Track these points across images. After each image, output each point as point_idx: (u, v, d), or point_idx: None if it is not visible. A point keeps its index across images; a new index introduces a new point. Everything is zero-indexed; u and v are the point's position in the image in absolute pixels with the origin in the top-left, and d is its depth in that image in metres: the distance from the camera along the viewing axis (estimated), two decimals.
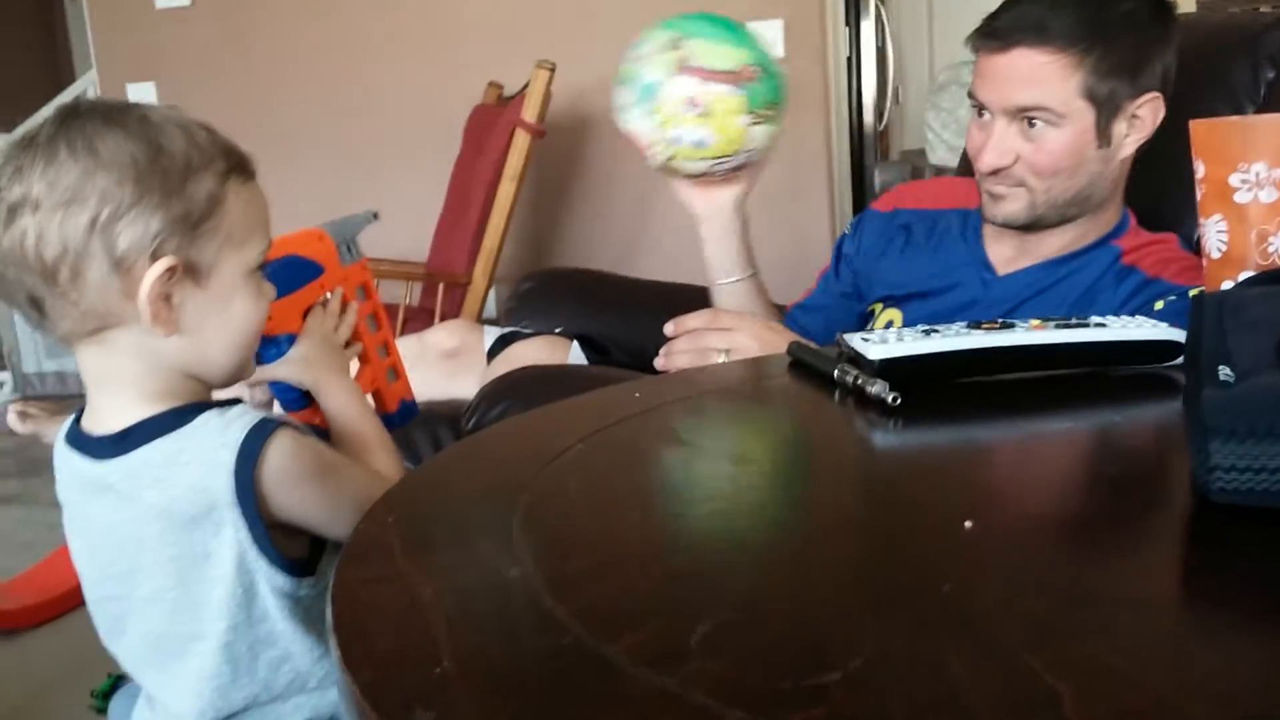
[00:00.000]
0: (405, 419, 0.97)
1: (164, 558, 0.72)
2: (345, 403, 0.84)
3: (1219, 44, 1.31)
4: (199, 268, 0.71)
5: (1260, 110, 1.22)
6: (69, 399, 2.07)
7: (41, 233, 0.67)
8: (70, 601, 1.99)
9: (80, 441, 0.75)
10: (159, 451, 0.71)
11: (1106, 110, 1.10)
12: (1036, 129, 1.10)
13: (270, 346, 0.83)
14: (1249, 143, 0.74)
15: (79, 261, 0.67)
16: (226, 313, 0.74)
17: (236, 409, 0.73)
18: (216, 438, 0.70)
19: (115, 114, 0.70)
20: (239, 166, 0.74)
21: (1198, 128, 0.78)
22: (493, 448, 0.73)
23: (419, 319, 2.44)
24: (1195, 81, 1.29)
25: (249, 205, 0.74)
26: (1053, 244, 1.18)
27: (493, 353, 1.54)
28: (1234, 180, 0.75)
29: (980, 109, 1.15)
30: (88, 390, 0.75)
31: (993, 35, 1.10)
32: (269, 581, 0.73)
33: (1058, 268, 1.18)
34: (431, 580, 0.50)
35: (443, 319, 2.33)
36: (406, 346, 1.62)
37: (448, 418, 1.36)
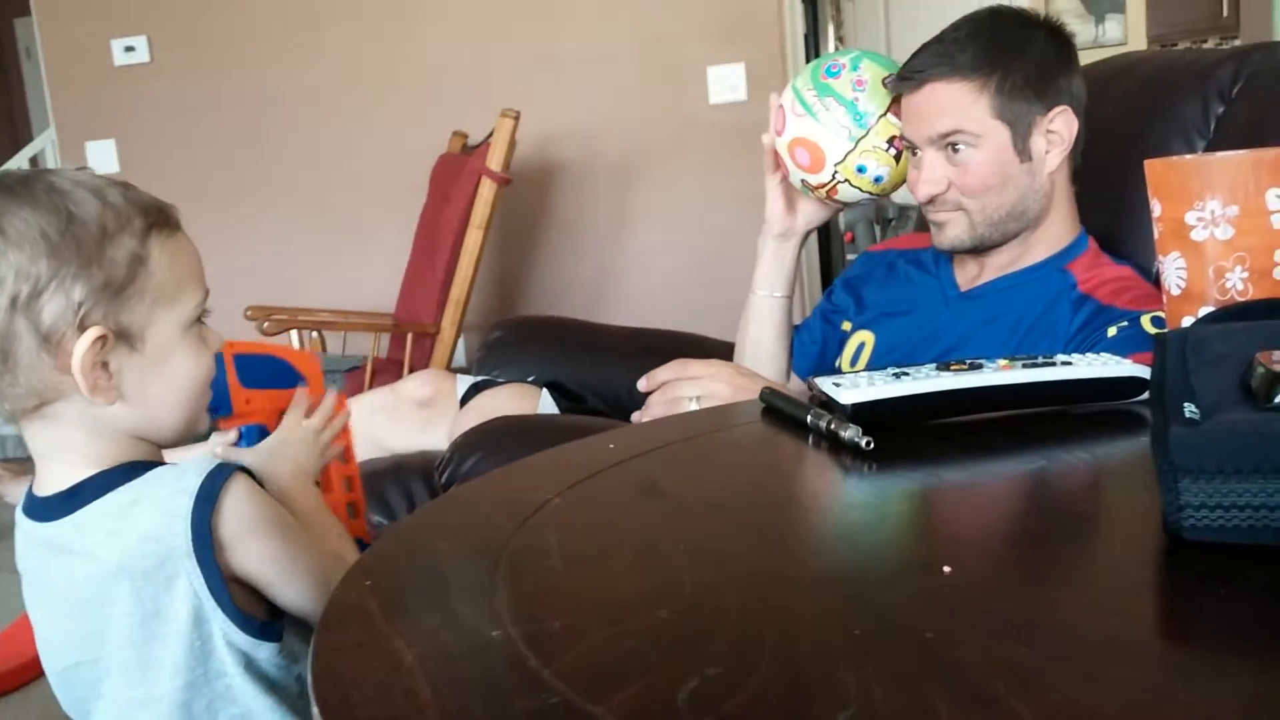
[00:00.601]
0: None
1: (116, 614, 0.70)
2: (307, 501, 0.82)
3: (1169, 79, 1.34)
4: (131, 332, 0.70)
5: (1211, 144, 1.25)
6: (29, 461, 2.02)
7: None
8: (34, 670, 1.94)
9: (32, 507, 0.74)
10: (111, 504, 0.70)
11: (1020, 128, 1.19)
12: (960, 153, 1.19)
13: (245, 437, 0.84)
14: (1203, 181, 0.76)
15: (6, 342, 0.67)
16: (167, 372, 0.73)
17: (194, 458, 0.72)
18: (172, 485, 0.69)
19: (20, 188, 0.69)
20: (160, 221, 0.72)
21: (1154, 167, 0.80)
22: (469, 504, 0.73)
23: (388, 370, 2.43)
24: (1147, 116, 1.33)
25: (175, 260, 0.73)
26: (1006, 258, 1.26)
27: (465, 401, 1.54)
28: (1190, 218, 0.77)
29: (912, 149, 1.24)
30: (37, 461, 0.74)
31: (908, 77, 1.22)
32: (225, 636, 0.71)
33: (1012, 283, 1.25)
34: (412, 645, 0.49)
35: (412, 370, 2.32)
36: (379, 398, 1.62)
37: (419, 470, 1.35)
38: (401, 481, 1.36)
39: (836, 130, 1.28)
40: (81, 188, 0.70)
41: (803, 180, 1.34)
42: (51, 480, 0.72)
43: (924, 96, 1.19)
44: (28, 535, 0.74)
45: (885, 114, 1.28)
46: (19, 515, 0.75)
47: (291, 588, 0.72)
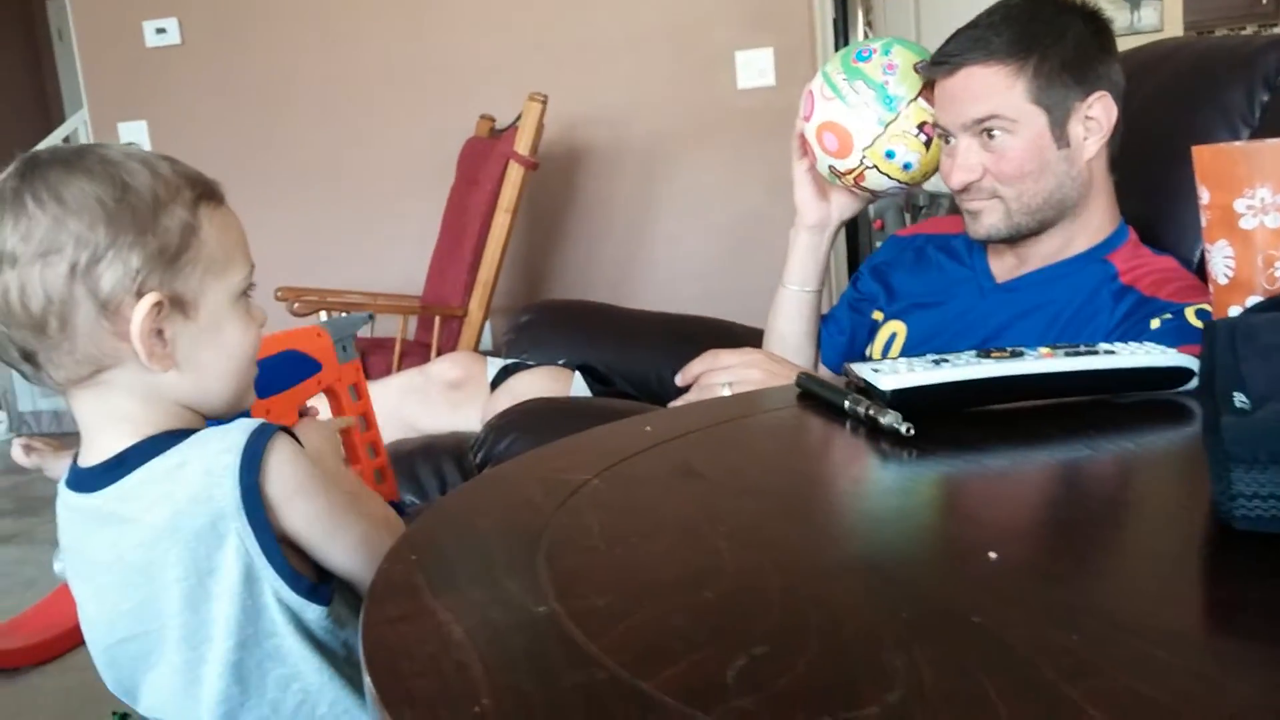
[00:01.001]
0: None
1: (170, 580, 0.70)
2: (339, 469, 0.83)
3: (1212, 66, 1.32)
4: (185, 300, 0.71)
5: (1256, 132, 1.23)
6: (65, 436, 2.07)
7: (24, 286, 0.67)
8: (73, 639, 1.98)
9: (76, 479, 0.74)
10: (158, 468, 0.70)
11: (1057, 113, 1.17)
12: (996, 139, 1.18)
13: None
14: (1253, 168, 0.75)
15: (65, 310, 0.68)
16: (219, 341, 0.74)
17: (237, 421, 0.72)
18: (217, 444, 0.70)
19: (74, 159, 0.70)
20: (207, 193, 0.74)
21: (1201, 153, 0.79)
22: (509, 484, 0.73)
23: (415, 353, 2.44)
24: (1189, 103, 1.31)
25: (224, 231, 0.74)
26: (1045, 250, 1.23)
27: (496, 383, 1.55)
28: (1239, 206, 0.76)
29: (946, 136, 1.22)
30: (84, 431, 0.74)
31: (942, 62, 1.20)
32: (276, 594, 0.71)
33: (1052, 275, 1.22)
34: (461, 619, 0.49)
35: (439, 353, 2.33)
36: (409, 379, 1.63)
37: (451, 451, 1.36)
38: (433, 461, 1.37)
39: (865, 114, 1.26)
40: (132, 159, 0.71)
41: (830, 167, 1.32)
42: (97, 451, 0.73)
43: (959, 81, 1.18)
44: (71, 508, 0.74)
45: (916, 99, 1.26)
46: (61, 490, 0.76)
47: (337, 547, 0.73)
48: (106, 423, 0.73)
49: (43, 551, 2.77)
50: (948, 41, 1.20)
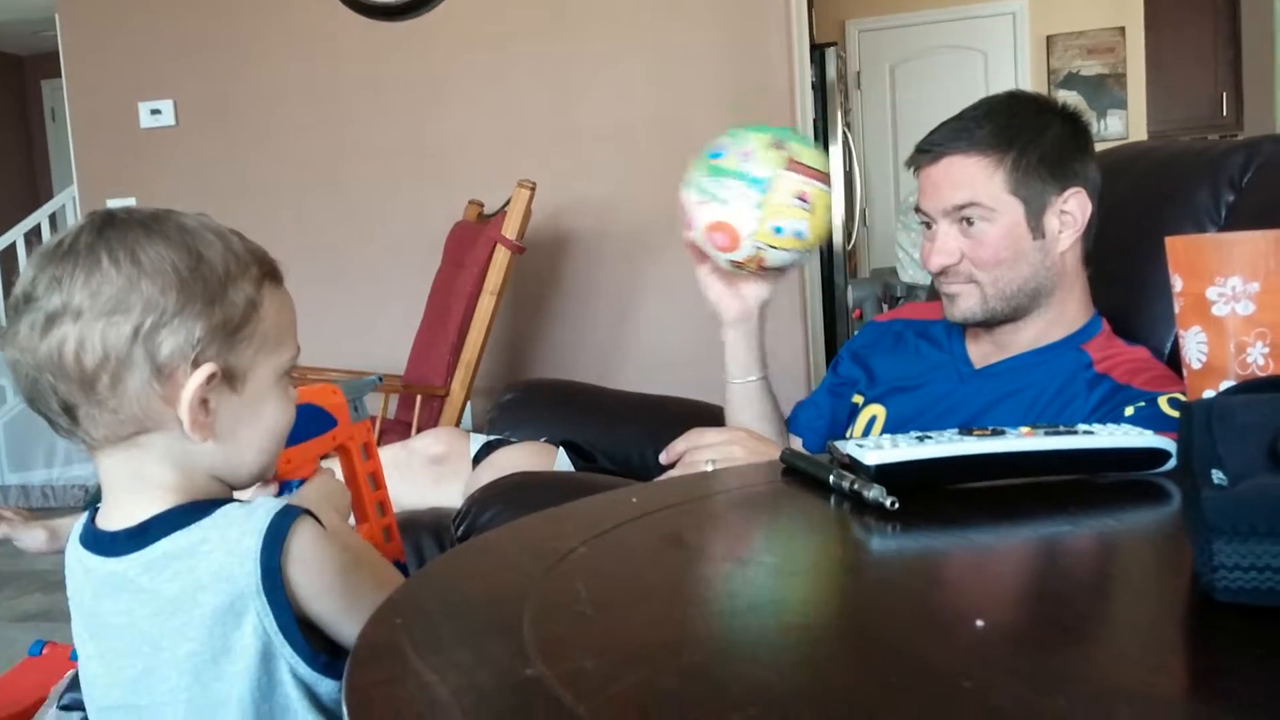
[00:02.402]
0: None
1: (180, 655, 0.69)
2: (355, 540, 0.83)
3: (1180, 168, 1.37)
4: (235, 373, 0.72)
5: (1223, 230, 1.27)
6: (34, 510, 2.04)
7: (82, 341, 0.67)
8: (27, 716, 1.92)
9: (95, 540, 0.73)
10: (180, 542, 0.70)
11: (1034, 205, 1.21)
12: (975, 227, 1.21)
13: (284, 490, 0.85)
14: (1225, 258, 0.77)
15: (120, 369, 0.68)
16: (258, 416, 0.74)
17: (260, 500, 0.72)
18: (241, 525, 0.70)
19: (153, 223, 0.71)
20: (271, 272, 0.75)
21: (1174, 244, 0.82)
22: (495, 551, 0.73)
23: (396, 430, 2.43)
24: (1159, 202, 1.35)
25: (280, 311, 0.76)
26: (1022, 338, 1.26)
27: (478, 459, 1.54)
28: (1211, 294, 0.78)
29: (927, 223, 1.26)
30: (107, 492, 0.74)
31: (926, 150, 1.24)
32: (292, 670, 0.71)
33: (1029, 363, 1.25)
34: (446, 681, 0.49)
35: (420, 431, 2.32)
36: (392, 454, 1.62)
37: (430, 527, 1.34)
38: (412, 536, 1.35)
39: (740, 204, 1.26)
40: (208, 230, 0.73)
41: (729, 261, 1.31)
42: (120, 514, 0.73)
43: (941, 170, 1.22)
44: (87, 569, 0.74)
45: (782, 172, 1.26)
46: (75, 546, 0.75)
47: (352, 622, 0.71)
48: (134, 485, 0.73)
49: (3, 628, 2.70)
50: (932, 132, 1.25)
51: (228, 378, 0.71)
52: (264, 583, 0.68)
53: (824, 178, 1.28)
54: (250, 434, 0.74)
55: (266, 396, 0.74)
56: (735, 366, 1.42)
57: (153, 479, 0.72)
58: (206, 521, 0.70)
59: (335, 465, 0.95)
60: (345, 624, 0.73)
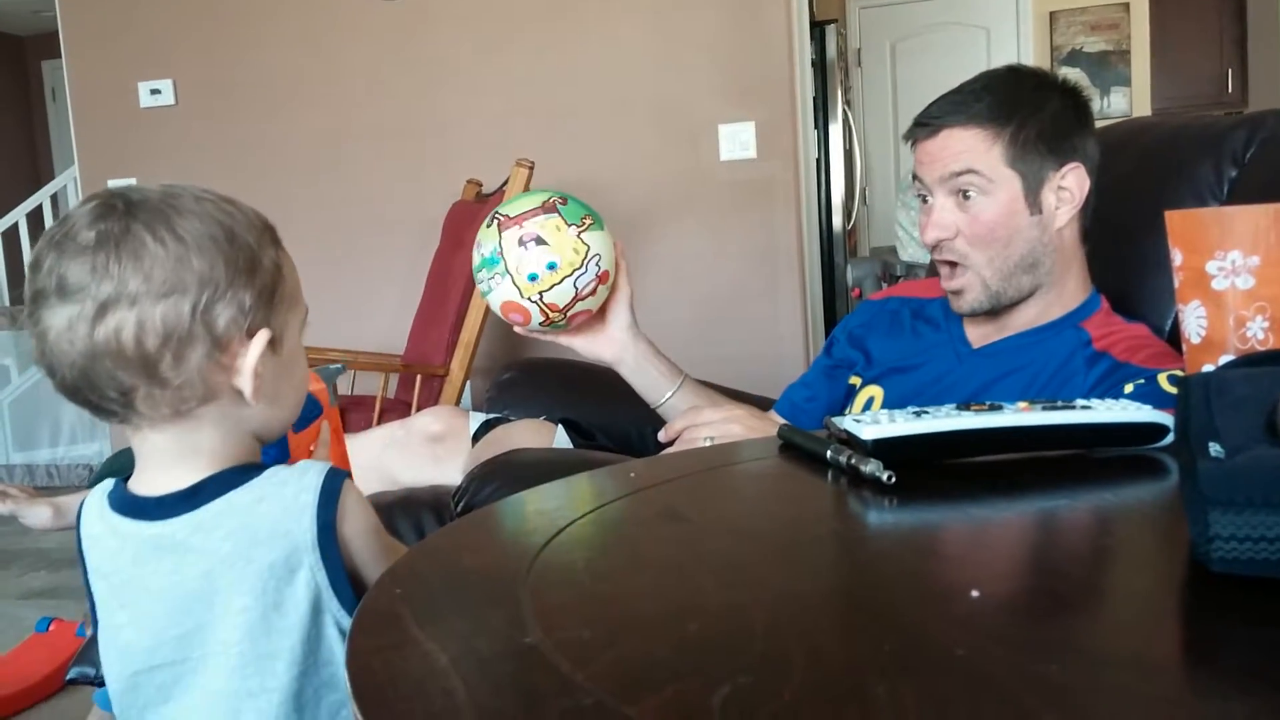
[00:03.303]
0: None
1: (233, 610, 0.71)
2: None
3: (1182, 144, 1.37)
4: (276, 336, 0.74)
5: (1224, 205, 1.27)
6: (39, 490, 2.04)
7: (142, 323, 0.68)
8: (41, 692, 1.94)
9: (133, 506, 0.74)
10: (235, 501, 0.72)
11: (1031, 180, 1.19)
12: (971, 200, 1.20)
13: None
14: (1225, 232, 0.77)
15: (182, 347, 0.69)
16: (293, 372, 0.77)
17: (304, 462, 0.75)
18: (296, 483, 0.72)
19: (174, 200, 0.72)
20: (277, 234, 0.77)
21: (1173, 218, 0.81)
22: (493, 524, 0.73)
23: (396, 410, 2.43)
24: (1161, 178, 1.35)
25: (293, 269, 0.78)
26: (1021, 318, 1.25)
27: (477, 437, 1.55)
28: (1211, 268, 0.78)
29: (924, 196, 1.25)
30: (146, 462, 0.75)
31: (924, 123, 1.23)
32: (338, 624, 0.73)
33: (1027, 342, 1.24)
34: (446, 648, 0.49)
35: (419, 410, 2.32)
36: (391, 432, 1.63)
37: (430, 504, 1.35)
38: (412, 513, 1.36)
39: (497, 283, 1.28)
40: (220, 203, 0.74)
41: (543, 325, 1.32)
42: (165, 480, 0.74)
43: (939, 142, 1.22)
44: (124, 535, 0.74)
45: (499, 235, 1.27)
46: (105, 515, 0.76)
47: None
48: (186, 454, 0.74)
49: (9, 605, 2.72)
50: (931, 105, 1.24)
51: (271, 341, 0.73)
52: (320, 537, 0.71)
53: (536, 211, 1.28)
54: (288, 390, 0.77)
55: (297, 352, 0.78)
56: (647, 394, 1.42)
57: (202, 446, 0.74)
58: (258, 481, 0.73)
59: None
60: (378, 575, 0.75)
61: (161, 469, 0.75)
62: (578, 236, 1.28)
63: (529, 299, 1.28)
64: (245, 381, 0.72)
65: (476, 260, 1.30)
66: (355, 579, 0.74)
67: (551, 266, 1.27)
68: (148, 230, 0.69)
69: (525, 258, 1.26)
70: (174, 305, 0.68)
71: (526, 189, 2.59)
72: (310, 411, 0.92)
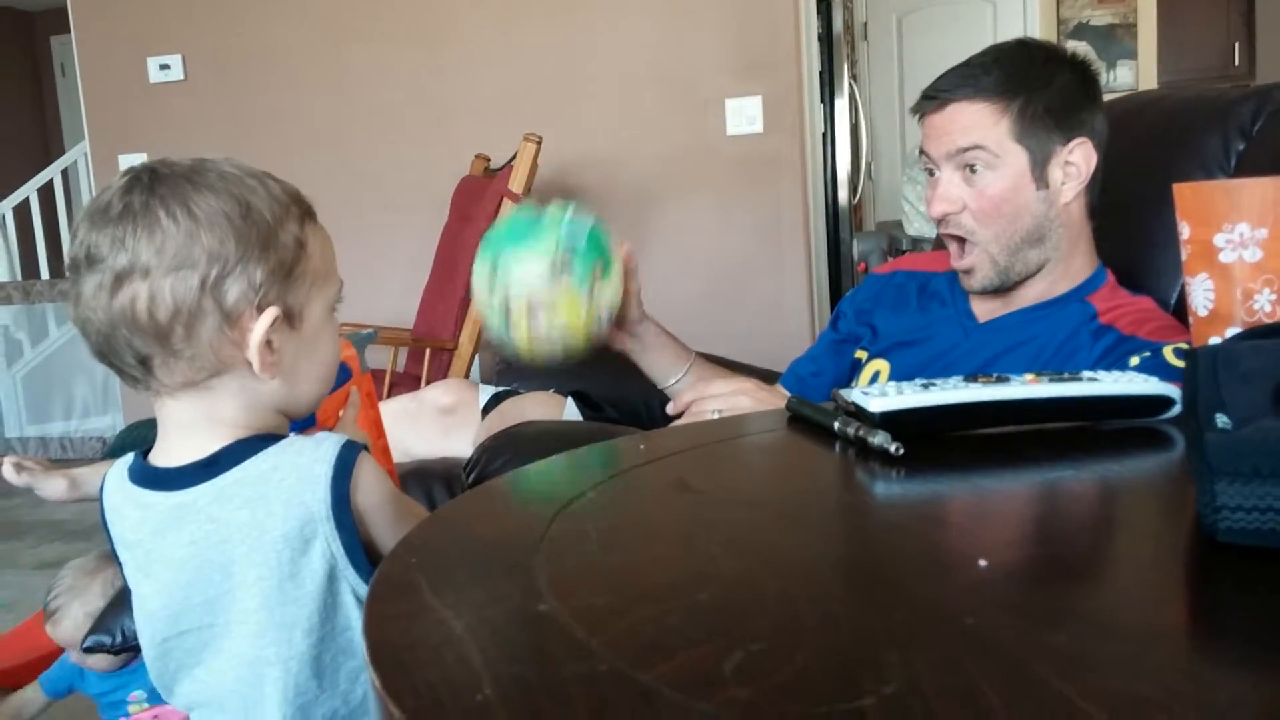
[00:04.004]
0: None
1: (250, 579, 0.72)
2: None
3: (1189, 117, 1.36)
4: (294, 312, 0.75)
5: (1232, 178, 1.27)
6: (54, 462, 2.06)
7: (154, 296, 0.70)
8: (43, 666, 1.95)
9: (153, 477, 0.76)
10: (251, 470, 0.73)
11: (1038, 155, 1.19)
12: (978, 175, 1.20)
13: None
14: (1232, 204, 0.77)
15: (192, 320, 0.71)
16: (316, 349, 0.78)
17: (322, 433, 0.76)
18: (311, 454, 0.73)
19: (196, 176, 0.73)
20: (309, 211, 0.78)
21: (1182, 190, 0.81)
22: (506, 494, 0.74)
23: (405, 384, 2.44)
24: (1168, 151, 1.35)
25: (324, 246, 0.79)
26: (1029, 293, 1.26)
27: (487, 410, 1.55)
28: (1218, 241, 0.78)
29: (930, 170, 1.25)
30: (167, 432, 0.77)
31: (932, 96, 1.23)
32: (354, 590, 0.74)
33: (1033, 316, 1.25)
34: (461, 616, 0.50)
35: (428, 384, 2.33)
36: (402, 405, 1.63)
37: (442, 476, 1.36)
38: (424, 485, 1.36)
39: (516, 349, 1.23)
40: (248, 176, 0.75)
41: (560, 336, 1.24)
42: (184, 450, 0.75)
43: (946, 115, 1.21)
44: (145, 505, 0.76)
45: (505, 309, 1.20)
46: (124, 487, 0.77)
47: None
48: (204, 424, 0.75)
49: (23, 576, 2.75)
50: (939, 78, 1.24)
51: (288, 317, 0.74)
52: (334, 508, 0.72)
53: (546, 280, 1.19)
54: (309, 367, 0.78)
55: (321, 331, 0.78)
56: (656, 376, 1.41)
57: (222, 417, 0.75)
58: (274, 450, 0.74)
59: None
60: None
61: (180, 439, 0.76)
62: (589, 300, 1.20)
63: (547, 353, 1.23)
64: (253, 355, 0.72)
65: (487, 324, 1.23)
66: (372, 548, 0.75)
67: (565, 329, 1.21)
68: (163, 205, 0.71)
69: (538, 331, 1.20)
70: (183, 279, 0.70)
71: (534, 166, 2.59)
72: (342, 376, 0.93)
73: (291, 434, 0.78)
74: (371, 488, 0.75)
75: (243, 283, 0.71)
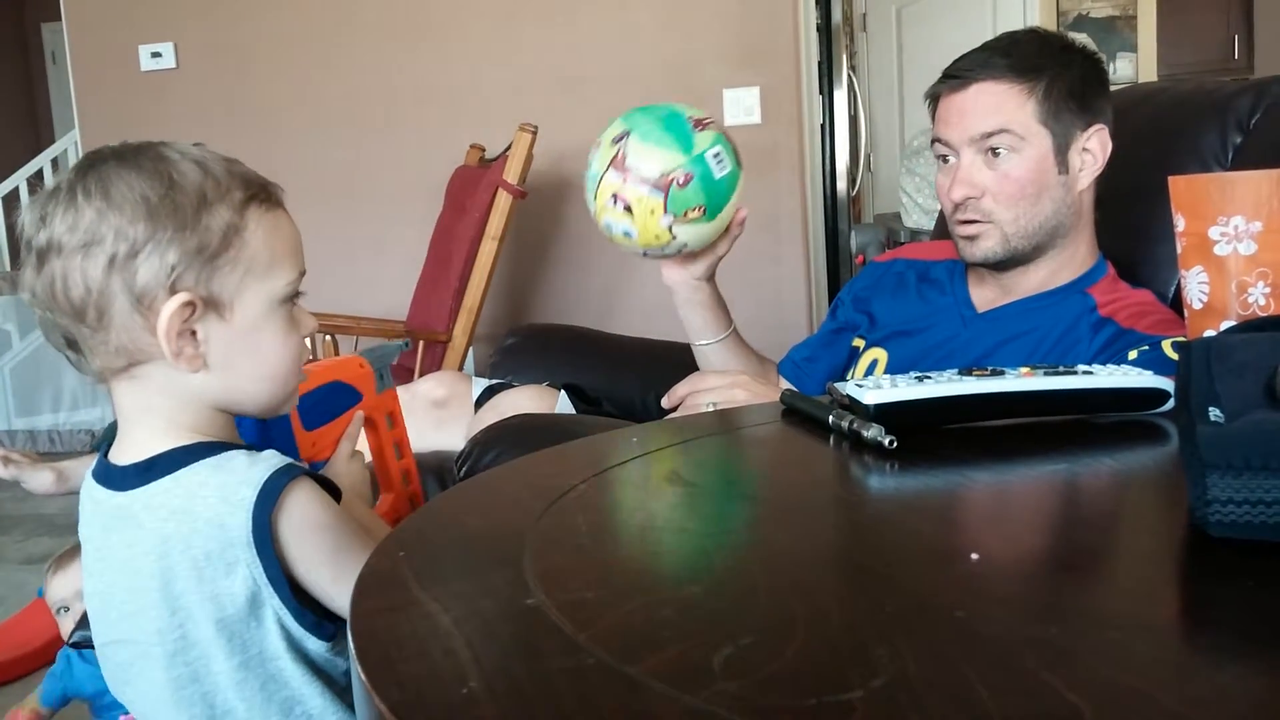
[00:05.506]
0: None
1: (175, 593, 0.70)
2: (363, 517, 0.83)
3: (1188, 110, 1.36)
4: (220, 300, 0.71)
5: (1229, 171, 1.26)
6: (42, 455, 2.06)
7: (66, 275, 0.69)
8: (44, 657, 1.95)
9: (105, 474, 0.74)
10: (181, 483, 0.71)
11: (1061, 139, 1.18)
12: (1000, 157, 1.18)
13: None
14: (1227, 197, 0.77)
15: (102, 301, 0.69)
16: (255, 346, 0.73)
17: (268, 452, 0.72)
18: (241, 474, 0.70)
19: (129, 156, 0.71)
20: (261, 196, 0.74)
21: (1177, 183, 0.81)
22: (496, 487, 0.74)
23: (399, 376, 2.44)
24: (1166, 145, 1.34)
25: (272, 234, 0.74)
26: (1029, 282, 1.24)
27: (480, 403, 1.55)
28: (1213, 233, 0.78)
29: (944, 157, 1.23)
30: (120, 424, 0.75)
31: (954, 76, 1.21)
32: (280, 620, 0.71)
33: (1033, 307, 1.24)
34: (449, 609, 0.50)
35: (422, 376, 2.33)
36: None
37: (434, 469, 1.36)
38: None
39: (588, 195, 1.25)
40: (187, 158, 0.72)
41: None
42: (132, 448, 0.73)
43: (970, 96, 1.19)
44: (96, 502, 0.75)
45: (607, 169, 1.23)
46: (88, 480, 0.76)
47: (343, 592, 0.70)
48: (142, 417, 0.74)
49: (10, 571, 2.74)
50: (960, 59, 1.21)
51: (213, 306, 0.71)
52: (254, 535, 0.69)
53: (649, 182, 1.20)
54: (250, 365, 0.74)
55: (262, 325, 0.73)
56: (689, 329, 1.42)
57: (160, 411, 0.73)
58: (210, 463, 0.71)
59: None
60: (333, 590, 0.73)
61: (130, 434, 0.74)
62: (669, 227, 1.21)
63: (601, 228, 1.25)
64: (162, 341, 0.69)
65: (589, 160, 1.25)
66: (301, 582, 0.72)
67: (626, 234, 1.23)
68: (82, 185, 0.70)
69: (609, 210, 1.23)
70: (92, 258, 0.69)
71: (529, 156, 2.58)
72: (339, 402, 0.89)
73: (240, 450, 0.73)
74: (297, 519, 0.71)
75: (154, 263, 0.69)
